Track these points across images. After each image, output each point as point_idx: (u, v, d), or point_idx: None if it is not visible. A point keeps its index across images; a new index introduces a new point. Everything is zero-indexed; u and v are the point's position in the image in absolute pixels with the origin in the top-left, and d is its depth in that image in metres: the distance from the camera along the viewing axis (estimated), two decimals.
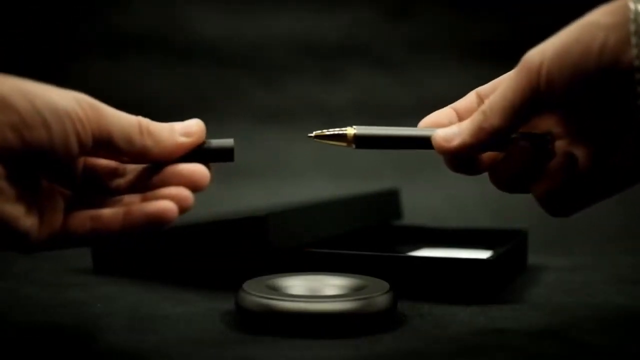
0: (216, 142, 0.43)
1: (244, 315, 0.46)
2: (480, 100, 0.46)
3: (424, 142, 0.44)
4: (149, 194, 0.42)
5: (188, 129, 0.42)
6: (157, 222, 0.40)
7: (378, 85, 1.34)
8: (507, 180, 0.44)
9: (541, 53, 0.40)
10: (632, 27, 0.38)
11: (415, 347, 0.42)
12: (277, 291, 0.48)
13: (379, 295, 0.46)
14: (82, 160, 0.43)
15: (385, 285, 0.48)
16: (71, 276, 0.62)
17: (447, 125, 0.44)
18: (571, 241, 0.88)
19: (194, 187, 0.41)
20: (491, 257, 0.55)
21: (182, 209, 0.40)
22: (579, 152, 0.43)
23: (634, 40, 0.37)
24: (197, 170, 0.41)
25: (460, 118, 0.46)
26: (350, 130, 0.44)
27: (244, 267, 0.56)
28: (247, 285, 0.48)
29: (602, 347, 0.42)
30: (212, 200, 1.02)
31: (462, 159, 0.45)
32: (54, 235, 0.40)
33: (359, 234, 0.70)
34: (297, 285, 0.50)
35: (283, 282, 0.50)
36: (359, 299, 0.45)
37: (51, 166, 0.39)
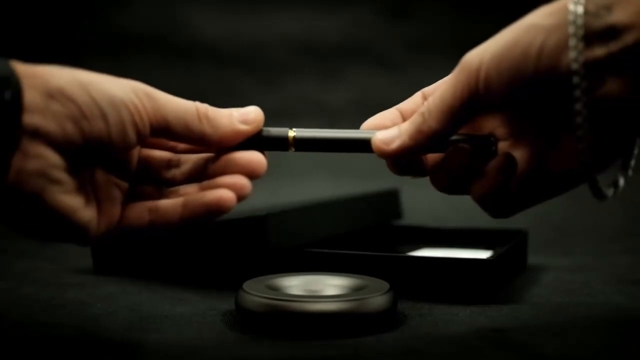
0: (273, 131, 0.43)
1: (244, 315, 0.46)
2: (425, 100, 0.45)
3: (364, 145, 0.44)
4: (206, 183, 0.42)
5: (247, 116, 0.42)
6: (216, 211, 0.40)
7: (378, 85, 1.34)
8: (446, 181, 0.44)
9: (480, 55, 0.39)
10: (571, 29, 0.37)
11: (415, 347, 0.42)
12: (277, 291, 0.48)
13: (379, 295, 0.46)
14: (137, 152, 0.43)
15: (385, 285, 0.48)
16: (71, 276, 0.62)
17: (391, 127, 0.44)
18: (571, 241, 0.88)
19: (251, 175, 0.41)
20: (491, 257, 0.55)
21: (240, 197, 0.40)
22: (520, 154, 0.43)
23: (572, 42, 0.37)
24: (254, 158, 0.41)
25: (405, 119, 0.45)
26: (290, 133, 0.44)
27: (244, 267, 0.57)
28: (247, 285, 0.48)
29: (602, 347, 0.42)
30: None
31: (403, 162, 0.45)
32: (112, 228, 0.41)
33: (359, 234, 0.70)
34: (297, 285, 0.50)
35: (283, 282, 0.50)
36: (359, 299, 0.45)
37: (109, 157, 0.39)
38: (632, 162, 0.42)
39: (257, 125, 0.42)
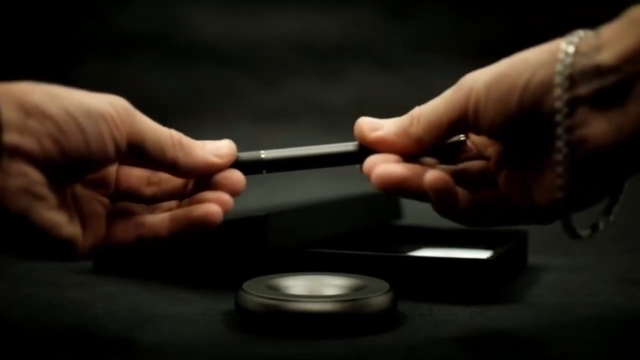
0: (245, 156, 0.44)
1: (244, 315, 0.46)
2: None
3: (336, 159, 0.45)
4: (189, 199, 0.43)
5: (220, 150, 0.43)
6: (204, 225, 0.41)
7: (378, 85, 1.34)
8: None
9: (474, 80, 0.40)
10: (559, 67, 0.37)
11: (415, 347, 0.42)
12: (277, 291, 0.48)
13: (379, 295, 0.46)
14: (114, 169, 0.43)
15: (385, 285, 0.48)
16: (71, 276, 0.62)
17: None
18: (571, 241, 0.88)
19: (232, 192, 0.42)
20: (491, 257, 0.55)
21: (225, 210, 0.41)
22: (502, 179, 0.43)
23: (558, 80, 0.37)
24: (234, 176, 0.42)
25: None
26: (262, 156, 0.44)
27: (244, 267, 0.56)
28: (247, 285, 0.48)
29: (602, 346, 0.42)
30: None
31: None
32: (98, 244, 0.41)
33: (359, 234, 0.70)
34: (297, 285, 0.50)
35: (283, 282, 0.50)
36: (358, 299, 0.45)
37: (88, 172, 0.39)
38: (616, 208, 0.42)
39: (230, 159, 0.43)
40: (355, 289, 0.48)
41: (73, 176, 0.39)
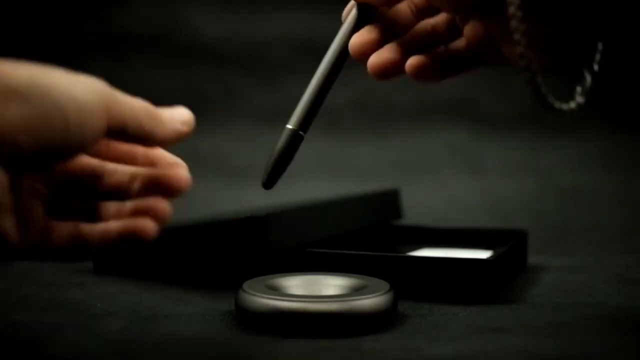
0: (281, 144, 0.48)
1: (244, 315, 0.46)
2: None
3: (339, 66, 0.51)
4: (128, 206, 0.41)
5: (183, 117, 0.41)
6: (136, 238, 0.39)
7: (378, 85, 1.34)
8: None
9: None
10: None
11: (415, 347, 0.42)
12: (277, 291, 0.48)
13: (379, 295, 0.46)
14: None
15: (385, 285, 0.48)
16: (71, 276, 0.62)
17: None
18: (571, 241, 0.88)
19: (176, 191, 0.40)
20: (491, 257, 0.55)
21: (162, 221, 0.40)
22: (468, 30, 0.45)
23: None
24: (177, 173, 0.41)
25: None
26: (289, 127, 0.47)
27: (244, 267, 0.57)
28: (247, 285, 0.48)
29: (602, 347, 0.42)
30: (212, 200, 1.02)
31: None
32: (33, 243, 0.38)
33: (359, 234, 0.70)
34: (297, 285, 0.50)
35: (283, 282, 0.50)
36: (359, 299, 0.45)
37: (55, 163, 0.37)
38: (598, 57, 0.43)
39: (191, 126, 0.41)
40: (355, 289, 0.48)
41: (36, 169, 0.37)
